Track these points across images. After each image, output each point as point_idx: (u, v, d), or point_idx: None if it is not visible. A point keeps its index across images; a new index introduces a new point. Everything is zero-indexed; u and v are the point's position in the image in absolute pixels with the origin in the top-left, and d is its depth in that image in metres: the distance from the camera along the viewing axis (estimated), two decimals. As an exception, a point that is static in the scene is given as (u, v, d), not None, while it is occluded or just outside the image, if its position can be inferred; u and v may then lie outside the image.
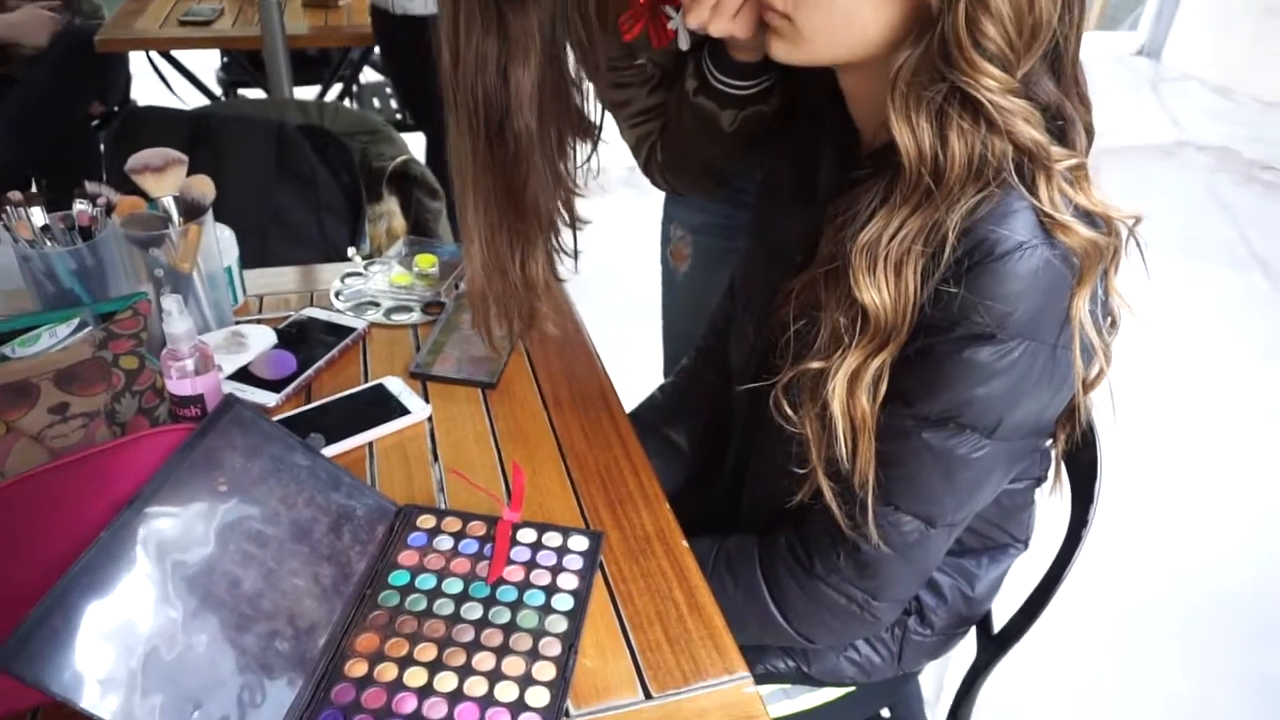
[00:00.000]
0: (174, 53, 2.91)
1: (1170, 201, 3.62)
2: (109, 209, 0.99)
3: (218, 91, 3.13)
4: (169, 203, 1.00)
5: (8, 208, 0.94)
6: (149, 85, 3.03)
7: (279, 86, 2.37)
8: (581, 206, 0.99)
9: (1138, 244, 0.74)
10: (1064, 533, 0.92)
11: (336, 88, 3.10)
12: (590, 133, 0.97)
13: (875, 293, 0.70)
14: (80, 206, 0.98)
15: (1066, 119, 0.72)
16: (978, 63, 0.65)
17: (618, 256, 1.34)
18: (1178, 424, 2.35)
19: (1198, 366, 2.59)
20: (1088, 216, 0.69)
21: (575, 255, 1.01)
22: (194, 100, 3.03)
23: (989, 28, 0.64)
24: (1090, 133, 0.74)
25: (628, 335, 1.49)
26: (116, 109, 2.84)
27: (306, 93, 3.11)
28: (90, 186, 0.98)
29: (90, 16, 2.72)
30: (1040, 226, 0.67)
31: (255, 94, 3.14)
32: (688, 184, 1.10)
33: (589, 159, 0.97)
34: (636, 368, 1.43)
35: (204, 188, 1.00)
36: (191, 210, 1.00)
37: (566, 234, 0.99)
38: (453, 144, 0.89)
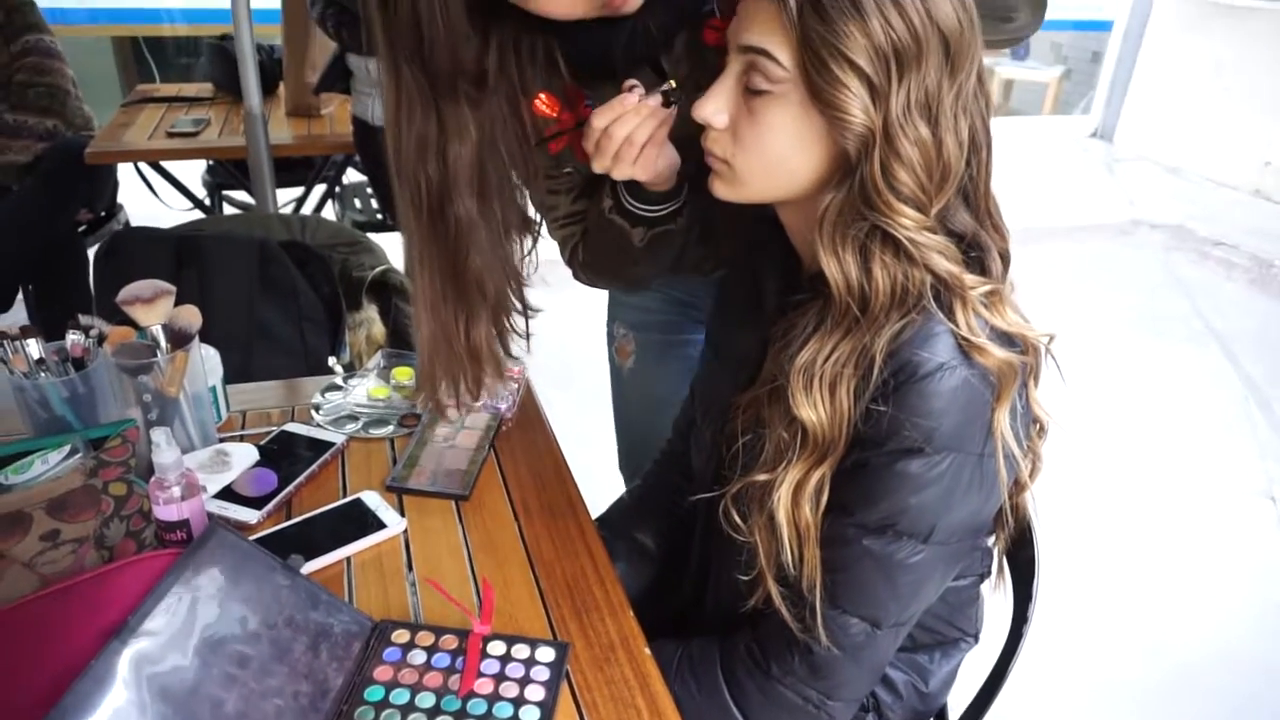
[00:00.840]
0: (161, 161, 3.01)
1: (1127, 279, 3.76)
2: (100, 339, 1.05)
3: (203, 194, 3.22)
4: (157, 331, 1.05)
5: (4, 341, 1.00)
6: (136, 189, 3.12)
7: (263, 194, 2.45)
8: (541, 296, 1.05)
9: (1053, 359, 0.81)
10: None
11: (319, 189, 3.20)
12: (530, 229, 1.03)
13: (812, 410, 0.76)
14: (73, 338, 1.03)
15: (982, 247, 0.79)
16: (894, 205, 0.73)
17: (597, 340, 1.38)
18: (1140, 498, 2.40)
19: (1157, 442, 2.65)
20: (1005, 337, 0.76)
21: (527, 337, 1.05)
22: (180, 204, 3.12)
23: (901, 174, 0.72)
24: (1005, 259, 0.81)
25: (608, 418, 1.51)
26: (104, 214, 2.92)
27: (291, 194, 3.21)
28: (83, 319, 1.04)
29: (82, 128, 2.82)
30: (959, 349, 0.74)
31: (240, 195, 3.23)
32: (607, 285, 1.19)
33: (529, 254, 1.03)
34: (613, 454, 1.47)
35: (190, 317, 1.06)
36: (179, 338, 1.06)
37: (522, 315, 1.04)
38: (401, 217, 0.95)
